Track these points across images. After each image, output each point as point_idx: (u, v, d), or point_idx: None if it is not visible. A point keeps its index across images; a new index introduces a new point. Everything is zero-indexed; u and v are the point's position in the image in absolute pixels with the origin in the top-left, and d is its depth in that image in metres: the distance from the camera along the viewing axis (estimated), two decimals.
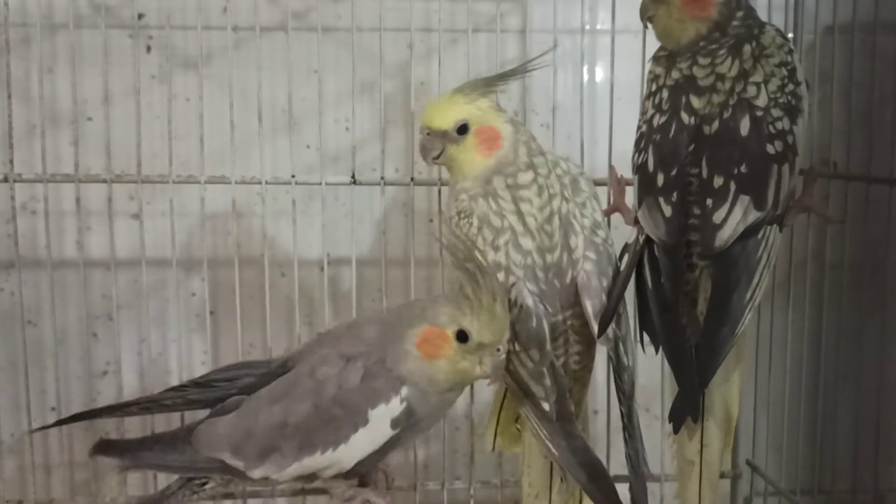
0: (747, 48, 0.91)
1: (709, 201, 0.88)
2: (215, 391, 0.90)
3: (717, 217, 0.88)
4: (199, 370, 1.21)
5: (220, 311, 1.24)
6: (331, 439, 0.84)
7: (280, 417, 0.85)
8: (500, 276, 0.88)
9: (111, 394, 1.18)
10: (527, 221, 0.89)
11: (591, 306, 0.89)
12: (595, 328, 0.88)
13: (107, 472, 1.21)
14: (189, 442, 0.88)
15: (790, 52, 0.92)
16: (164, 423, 1.08)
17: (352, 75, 1.08)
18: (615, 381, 0.91)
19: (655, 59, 0.96)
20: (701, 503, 0.98)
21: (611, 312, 0.91)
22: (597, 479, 0.89)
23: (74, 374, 1.19)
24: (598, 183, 1.11)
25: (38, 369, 1.12)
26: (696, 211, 0.89)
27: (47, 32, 1.17)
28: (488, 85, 0.91)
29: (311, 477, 0.88)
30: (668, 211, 0.90)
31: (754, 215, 0.88)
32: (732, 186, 0.88)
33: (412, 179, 1.11)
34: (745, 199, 0.87)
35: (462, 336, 0.82)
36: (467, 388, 1.06)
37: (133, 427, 1.21)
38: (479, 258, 0.84)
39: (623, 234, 1.01)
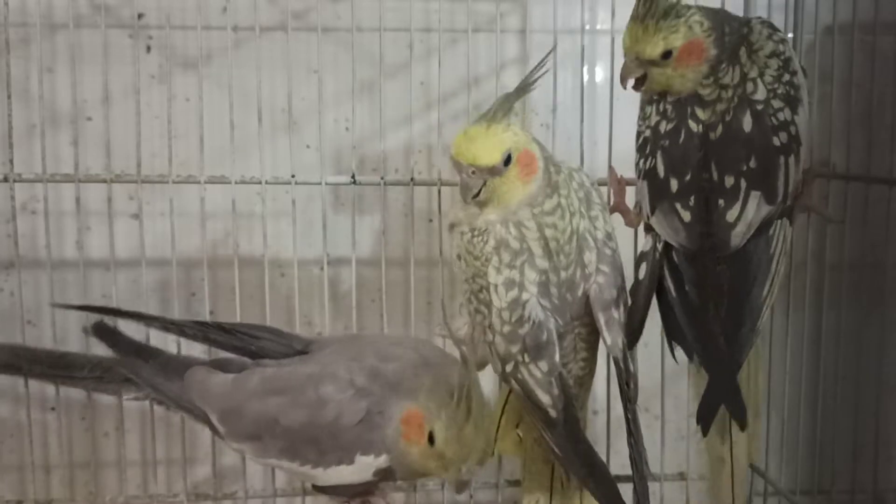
0: (743, 52, 0.91)
1: (721, 202, 0.88)
2: (235, 340, 0.91)
3: (731, 216, 0.88)
4: None
5: (219, 311, 1.24)
6: (313, 458, 0.84)
7: (273, 412, 0.84)
8: (514, 292, 0.87)
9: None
10: (549, 245, 0.88)
11: (603, 318, 0.89)
12: (607, 338, 0.89)
13: (106, 472, 1.21)
14: (182, 377, 0.88)
15: (782, 41, 0.92)
16: None
17: (352, 75, 1.08)
18: (620, 388, 0.91)
19: None
20: (735, 501, 0.99)
21: (638, 325, 0.92)
22: (601, 482, 0.90)
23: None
24: (598, 183, 1.12)
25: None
26: (711, 214, 0.89)
27: (47, 32, 1.17)
28: (511, 104, 0.86)
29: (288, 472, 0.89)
30: (686, 216, 0.89)
31: (766, 209, 0.88)
32: (743, 184, 0.88)
33: (412, 179, 1.11)
34: (756, 195, 0.88)
35: (430, 438, 0.81)
36: None
37: (132, 429, 1.21)
38: (473, 371, 0.83)
39: (623, 233, 1.01)
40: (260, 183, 1.08)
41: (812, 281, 1.13)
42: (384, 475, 0.84)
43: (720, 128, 0.89)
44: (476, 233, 0.88)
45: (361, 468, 0.83)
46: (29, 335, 1.11)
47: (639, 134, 0.95)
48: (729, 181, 0.88)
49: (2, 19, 1.04)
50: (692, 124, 0.90)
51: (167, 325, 0.93)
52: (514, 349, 0.88)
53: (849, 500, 1.12)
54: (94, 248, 1.18)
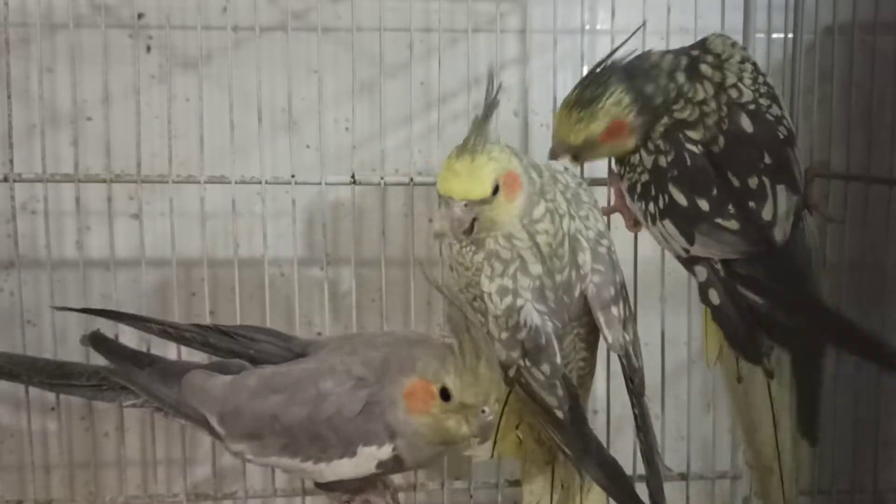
0: (704, 67, 0.91)
1: (751, 204, 0.88)
2: (234, 344, 0.90)
3: (767, 213, 0.88)
4: None
5: (219, 312, 1.24)
6: (314, 454, 0.84)
7: (273, 410, 0.84)
8: (508, 299, 0.87)
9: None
10: (542, 251, 0.87)
11: (602, 317, 0.89)
12: (608, 336, 0.89)
13: (106, 471, 1.21)
14: (180, 382, 0.88)
15: (743, 48, 0.93)
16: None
17: (352, 75, 1.08)
18: (626, 384, 0.91)
19: None
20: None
21: (746, 342, 0.90)
22: (614, 477, 0.90)
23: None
24: (598, 183, 1.12)
25: None
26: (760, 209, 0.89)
27: (47, 32, 1.17)
28: (485, 128, 0.85)
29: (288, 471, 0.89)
30: (733, 224, 0.88)
31: (794, 199, 0.89)
32: (766, 181, 0.88)
33: (412, 179, 1.11)
34: (781, 188, 0.88)
35: (444, 394, 0.80)
36: None
37: (132, 429, 1.21)
38: (467, 313, 0.82)
39: (623, 234, 1.01)
40: (260, 183, 1.08)
41: None
42: (388, 467, 0.84)
43: (721, 139, 0.89)
44: (465, 243, 0.88)
45: (364, 460, 0.83)
46: (29, 335, 1.11)
47: (633, 185, 0.94)
48: (753, 182, 0.88)
49: (2, 19, 1.04)
50: (690, 147, 0.91)
51: (166, 328, 0.93)
52: (515, 354, 0.88)
53: (849, 500, 1.12)
54: (94, 248, 1.18)
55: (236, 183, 1.07)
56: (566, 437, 0.89)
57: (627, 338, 0.90)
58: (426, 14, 1.20)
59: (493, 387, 0.80)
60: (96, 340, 0.94)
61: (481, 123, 0.85)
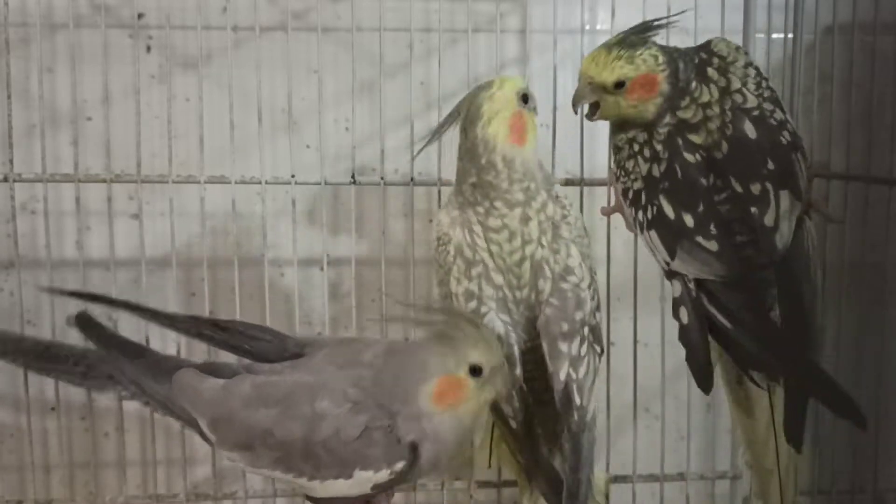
0: (711, 71, 0.91)
1: (753, 210, 0.88)
2: (230, 338, 0.89)
3: (769, 220, 0.87)
4: None
5: (219, 311, 1.24)
6: (308, 472, 0.83)
7: (267, 423, 0.83)
8: (473, 304, 0.89)
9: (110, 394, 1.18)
10: (496, 262, 0.89)
11: (547, 347, 0.88)
12: (550, 366, 0.88)
13: (106, 471, 1.21)
14: (171, 379, 0.86)
15: (746, 52, 0.93)
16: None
17: (352, 75, 1.08)
18: (564, 417, 0.89)
19: (619, 128, 0.95)
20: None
21: (703, 367, 0.89)
22: (557, 491, 0.90)
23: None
24: (598, 183, 1.12)
25: None
26: (741, 231, 0.89)
27: (47, 32, 1.17)
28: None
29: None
30: (712, 246, 0.88)
31: (798, 206, 0.88)
32: (769, 186, 0.88)
33: (412, 179, 1.11)
34: (785, 194, 0.88)
35: (475, 371, 0.82)
36: None
37: (132, 429, 1.21)
38: (441, 307, 0.85)
39: (623, 233, 1.01)
40: (260, 183, 1.08)
41: None
42: (383, 488, 0.84)
43: (724, 144, 0.89)
44: (441, 242, 0.91)
45: (359, 483, 0.83)
46: (29, 334, 1.10)
47: (626, 190, 0.94)
48: (755, 188, 0.88)
49: (2, 19, 1.04)
50: (688, 156, 0.90)
51: (160, 318, 0.90)
52: None
53: (849, 500, 1.12)
54: (94, 248, 1.18)
55: (236, 183, 1.07)
56: (519, 445, 0.91)
57: (573, 375, 0.88)
58: (426, 14, 1.20)
59: (496, 341, 0.84)
60: (84, 322, 0.89)
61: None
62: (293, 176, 1.08)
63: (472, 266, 0.90)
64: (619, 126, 0.94)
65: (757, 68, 0.92)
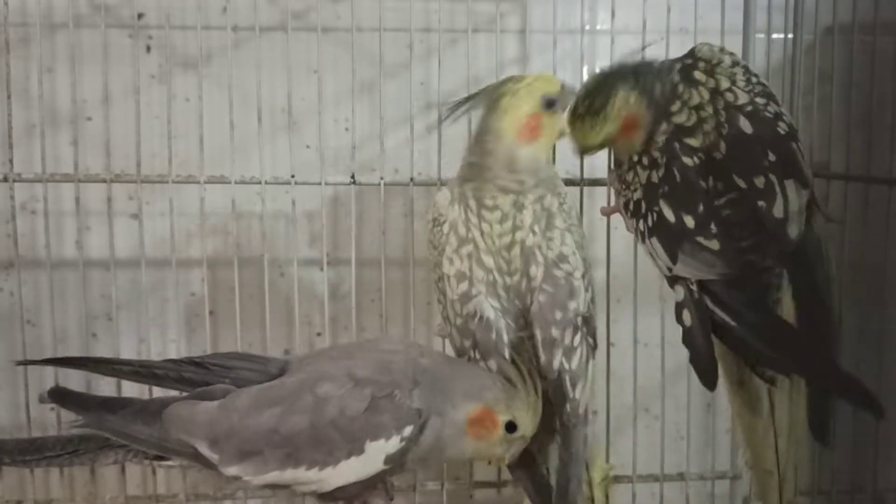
0: (698, 74, 0.92)
1: (760, 204, 0.88)
2: (210, 375, 0.88)
3: (778, 211, 0.87)
4: None
5: (219, 311, 1.24)
6: (320, 459, 0.83)
7: (270, 424, 0.83)
8: (464, 286, 0.89)
9: (110, 394, 1.18)
10: (486, 242, 0.90)
11: (539, 335, 0.88)
12: (542, 356, 0.88)
13: (106, 471, 1.21)
14: (160, 418, 0.85)
15: (731, 53, 0.93)
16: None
17: (351, 75, 1.08)
18: (556, 409, 0.89)
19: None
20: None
21: (707, 369, 0.90)
22: (539, 489, 0.92)
23: (73, 373, 1.19)
24: (598, 183, 1.12)
25: (38, 369, 1.11)
26: (745, 234, 0.89)
27: (47, 32, 1.17)
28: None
29: (285, 487, 0.87)
30: (714, 245, 0.89)
31: (805, 194, 0.88)
32: (773, 178, 0.88)
33: (412, 179, 1.11)
34: (790, 183, 0.88)
35: (511, 427, 0.84)
36: None
37: None
38: (518, 363, 0.86)
39: (623, 234, 1.01)
40: (260, 183, 1.08)
41: None
42: (396, 460, 0.84)
43: (722, 143, 0.89)
44: (436, 223, 0.93)
45: (372, 457, 0.83)
46: (29, 335, 1.11)
47: (627, 202, 0.95)
48: (759, 181, 0.88)
49: (2, 19, 1.04)
50: (686, 160, 0.90)
51: (136, 369, 0.89)
52: (467, 343, 0.89)
53: (848, 501, 1.12)
54: (94, 248, 1.18)
55: (236, 183, 1.07)
56: None
57: (565, 366, 0.88)
58: (426, 14, 1.20)
59: (539, 418, 0.86)
60: (59, 396, 0.89)
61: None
62: (293, 176, 1.08)
63: (464, 244, 0.90)
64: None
65: (745, 66, 0.92)
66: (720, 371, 0.95)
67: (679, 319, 0.91)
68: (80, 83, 1.08)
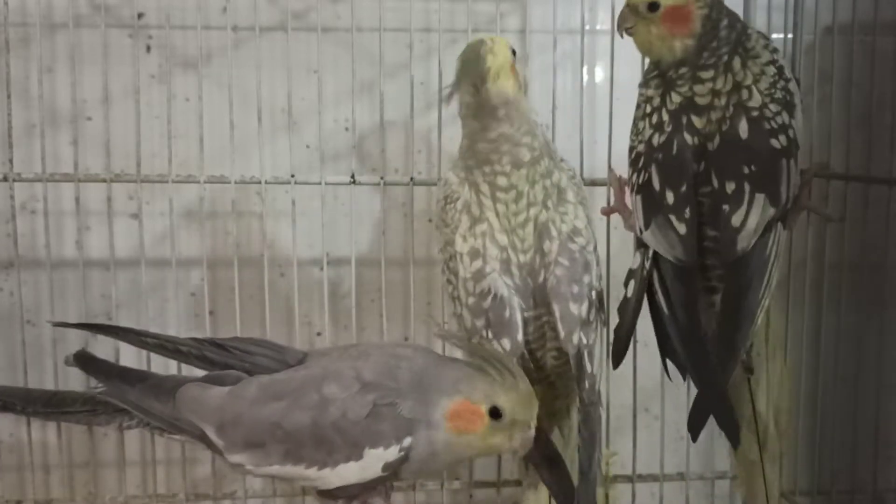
0: (737, 60, 0.91)
1: (724, 207, 0.88)
2: (230, 357, 0.90)
3: (736, 220, 0.88)
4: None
5: (219, 311, 1.24)
6: (319, 459, 0.84)
7: (275, 417, 0.84)
8: (478, 263, 0.89)
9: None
10: (501, 222, 0.90)
11: (558, 310, 0.88)
12: (561, 331, 0.88)
13: (106, 471, 1.21)
14: (174, 396, 0.87)
15: (775, 50, 0.93)
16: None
17: (351, 75, 1.08)
18: (577, 386, 0.90)
19: (646, 82, 0.96)
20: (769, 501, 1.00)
21: (624, 342, 0.93)
22: (556, 474, 0.89)
23: (74, 374, 1.19)
24: (598, 183, 1.12)
25: (38, 369, 1.12)
26: (711, 228, 0.89)
27: (47, 32, 1.17)
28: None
29: (289, 482, 0.88)
30: (681, 228, 0.89)
31: (771, 212, 0.88)
32: (746, 187, 0.88)
33: (412, 179, 1.11)
34: (760, 198, 0.88)
35: (495, 413, 0.82)
36: None
37: (131, 438, 1.21)
38: (484, 343, 0.85)
39: (623, 234, 1.01)
40: (260, 183, 1.08)
41: (812, 281, 1.13)
42: (394, 468, 0.84)
43: (717, 138, 0.90)
44: (449, 200, 0.92)
45: (371, 463, 0.83)
46: (28, 335, 1.11)
47: (631, 149, 0.95)
48: (730, 186, 0.88)
49: (2, 19, 1.04)
50: (687, 136, 0.91)
51: (162, 343, 0.92)
52: (479, 323, 0.89)
53: (848, 501, 1.12)
54: (94, 248, 1.18)
55: (236, 183, 1.07)
56: None
57: (584, 340, 0.89)
58: (426, 14, 1.20)
59: (535, 402, 0.83)
60: (83, 360, 0.92)
61: None
62: (293, 176, 1.08)
63: (477, 223, 0.90)
64: (649, 70, 0.96)
65: (780, 68, 0.91)
66: None
67: (625, 285, 0.93)
68: (80, 83, 1.08)
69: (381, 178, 1.09)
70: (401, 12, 1.11)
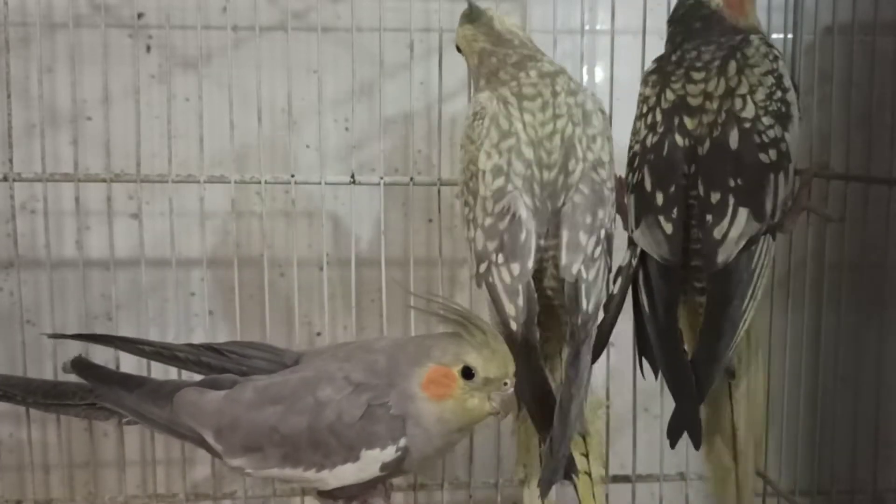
0: (732, 64, 0.91)
1: (708, 217, 0.88)
2: (227, 362, 0.90)
3: (718, 232, 0.88)
4: None
5: (219, 311, 1.24)
6: (317, 461, 0.84)
7: (271, 421, 0.84)
8: (500, 181, 0.89)
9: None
10: (528, 133, 0.90)
11: (566, 236, 0.88)
12: (563, 258, 0.88)
13: (106, 471, 1.21)
14: (171, 401, 0.87)
15: (776, 58, 0.92)
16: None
17: (351, 75, 1.08)
18: (568, 319, 0.89)
19: (645, 81, 0.97)
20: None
21: (604, 340, 0.93)
22: (544, 409, 0.89)
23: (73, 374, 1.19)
24: None
25: (37, 369, 1.11)
26: (697, 230, 0.90)
27: (47, 32, 1.17)
28: None
29: (288, 483, 0.88)
30: (668, 228, 0.90)
31: (754, 227, 0.88)
32: (731, 200, 0.88)
33: (411, 179, 1.11)
34: (744, 212, 0.88)
35: (467, 373, 0.81)
36: None
37: (132, 429, 1.21)
38: (459, 306, 0.83)
39: (623, 234, 1.01)
40: (259, 183, 1.08)
41: (812, 281, 1.13)
42: (392, 468, 0.84)
43: (708, 143, 0.90)
44: (477, 117, 0.92)
45: (368, 463, 0.83)
46: (28, 335, 1.11)
47: (630, 149, 0.97)
48: (715, 197, 0.89)
49: (2, 19, 1.04)
50: (678, 137, 0.91)
51: (159, 350, 0.92)
52: (492, 246, 0.89)
53: (848, 501, 1.12)
54: (94, 248, 1.18)
55: (236, 183, 1.07)
56: (514, 354, 0.87)
57: (584, 274, 0.88)
58: (426, 14, 1.20)
59: (510, 359, 0.82)
60: (81, 367, 0.92)
61: None
62: (293, 176, 1.08)
63: (505, 138, 0.90)
64: (648, 69, 0.98)
65: (779, 77, 0.91)
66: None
67: (613, 282, 0.94)
68: (80, 83, 1.08)
69: (381, 178, 1.09)
70: (401, 12, 1.11)
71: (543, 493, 0.89)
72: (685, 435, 0.94)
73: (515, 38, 0.96)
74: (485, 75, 0.95)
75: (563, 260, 0.88)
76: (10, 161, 1.07)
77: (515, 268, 0.88)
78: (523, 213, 0.88)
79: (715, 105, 0.90)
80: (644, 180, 0.92)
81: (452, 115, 1.19)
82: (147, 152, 1.09)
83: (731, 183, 0.88)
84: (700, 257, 0.90)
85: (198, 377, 0.90)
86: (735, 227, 0.88)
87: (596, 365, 0.98)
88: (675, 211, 0.90)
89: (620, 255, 0.97)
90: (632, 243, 0.94)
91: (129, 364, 1.04)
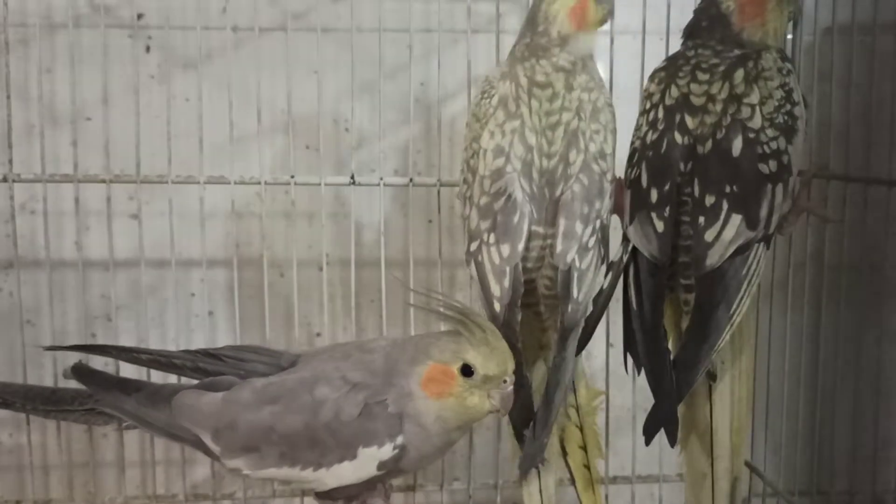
0: (740, 72, 0.91)
1: (701, 219, 0.89)
2: (224, 366, 0.90)
3: (709, 235, 0.88)
4: None
5: (218, 312, 1.24)
6: (314, 460, 0.84)
7: (268, 421, 0.84)
8: (500, 161, 0.89)
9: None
10: (533, 120, 0.90)
11: (563, 225, 0.89)
12: (558, 245, 0.89)
13: (105, 472, 1.21)
14: (169, 404, 0.87)
15: (788, 73, 0.93)
16: None
17: (351, 75, 1.08)
18: (561, 306, 0.90)
19: (652, 77, 0.97)
20: None
21: (589, 334, 0.94)
22: (523, 392, 0.90)
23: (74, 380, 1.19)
24: None
25: (37, 369, 1.11)
26: (689, 230, 0.90)
27: (46, 32, 1.17)
28: None
29: (286, 483, 0.88)
30: (660, 226, 0.90)
31: (746, 235, 0.88)
32: (724, 205, 0.88)
33: (411, 180, 1.11)
34: (736, 219, 0.88)
35: (467, 370, 0.81)
36: None
37: (130, 438, 1.21)
38: (459, 303, 0.84)
39: (621, 233, 1.01)
40: (259, 183, 1.08)
41: (811, 281, 1.13)
42: (389, 467, 0.84)
43: (709, 143, 0.90)
44: (485, 95, 0.93)
45: (365, 462, 0.83)
46: (28, 335, 1.11)
47: (631, 144, 0.97)
48: (710, 200, 0.89)
49: (1, 19, 1.04)
50: (678, 136, 0.91)
51: (156, 357, 0.92)
52: (484, 225, 0.89)
53: (848, 501, 1.12)
54: (94, 249, 1.18)
55: (236, 183, 1.07)
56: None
57: (577, 263, 0.89)
58: (426, 14, 1.20)
59: (509, 356, 0.82)
60: (80, 373, 0.92)
61: None
62: (293, 176, 1.08)
63: (510, 119, 0.90)
64: (658, 66, 0.97)
65: (789, 91, 0.91)
66: None
67: (604, 276, 0.94)
68: (79, 83, 1.08)
69: (381, 178, 1.09)
70: (401, 12, 1.11)
71: (522, 476, 0.92)
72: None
73: (541, 25, 0.93)
74: (521, 32, 0.95)
75: (558, 248, 0.89)
76: (10, 162, 1.07)
77: (505, 249, 0.88)
78: (518, 196, 0.89)
79: (718, 108, 0.90)
80: (641, 176, 0.93)
81: (452, 115, 1.19)
82: (147, 153, 1.09)
83: (727, 189, 0.88)
84: (690, 256, 0.90)
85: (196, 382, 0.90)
86: (726, 233, 0.88)
87: (596, 365, 0.98)
88: (667, 210, 0.90)
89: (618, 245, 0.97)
90: (626, 239, 0.95)
91: (129, 369, 1.04)
